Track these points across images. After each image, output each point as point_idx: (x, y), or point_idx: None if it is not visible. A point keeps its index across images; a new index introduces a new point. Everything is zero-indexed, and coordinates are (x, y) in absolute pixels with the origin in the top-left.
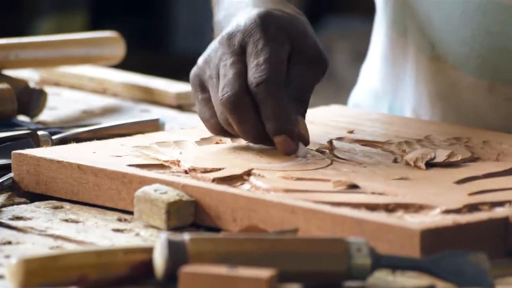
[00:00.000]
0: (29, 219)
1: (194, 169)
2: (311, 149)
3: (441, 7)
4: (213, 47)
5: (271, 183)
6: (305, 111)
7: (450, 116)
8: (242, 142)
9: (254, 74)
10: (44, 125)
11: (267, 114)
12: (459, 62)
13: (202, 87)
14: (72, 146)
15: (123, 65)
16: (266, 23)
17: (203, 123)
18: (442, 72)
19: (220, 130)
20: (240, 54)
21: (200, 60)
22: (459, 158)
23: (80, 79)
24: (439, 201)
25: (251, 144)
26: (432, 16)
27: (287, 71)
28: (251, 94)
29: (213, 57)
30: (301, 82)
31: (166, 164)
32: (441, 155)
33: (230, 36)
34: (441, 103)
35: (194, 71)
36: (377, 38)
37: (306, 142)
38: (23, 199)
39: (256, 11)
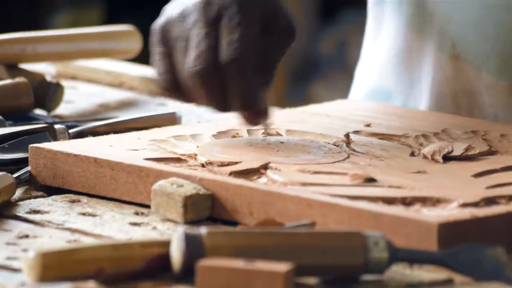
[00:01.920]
0: (46, 212)
1: (211, 163)
2: (328, 143)
3: (461, 4)
4: (186, 6)
5: (288, 177)
6: (272, 79)
7: (475, 114)
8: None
9: (226, 51)
10: (61, 119)
11: (234, 93)
12: (479, 61)
13: (165, 41)
14: (89, 139)
15: (140, 59)
16: None
17: (156, 75)
18: (460, 72)
19: (171, 88)
20: (213, 26)
21: (169, 14)
22: (477, 151)
23: (96, 73)
24: (456, 195)
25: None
26: (452, 14)
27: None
28: (220, 70)
29: (185, 18)
30: (271, 52)
31: (183, 157)
32: (458, 149)
33: (207, 3)
34: (459, 103)
35: (159, 24)
36: (383, 34)
37: (267, 114)
38: (40, 193)
39: None
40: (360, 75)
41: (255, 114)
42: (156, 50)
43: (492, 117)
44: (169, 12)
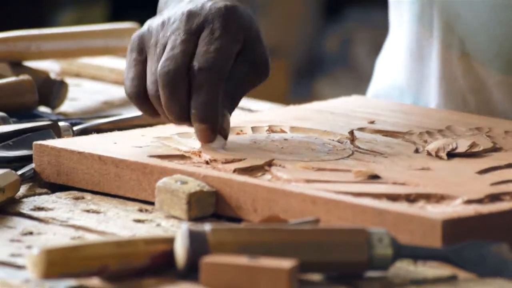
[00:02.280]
0: (51, 209)
1: (215, 160)
2: (332, 140)
3: (470, 3)
4: (168, 17)
5: (292, 174)
6: (234, 108)
7: (483, 111)
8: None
9: (200, 58)
10: (65, 116)
11: (197, 100)
12: (487, 59)
13: (140, 50)
14: (93, 137)
15: None
16: (229, 16)
17: (124, 82)
18: (469, 70)
19: (135, 95)
20: (194, 35)
21: (149, 24)
22: (481, 148)
23: (101, 70)
24: (460, 191)
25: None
26: (460, 12)
27: (232, 72)
28: (189, 76)
29: (165, 27)
30: (241, 80)
31: (187, 154)
32: (462, 145)
33: (191, 15)
34: (468, 101)
35: (139, 32)
36: (399, 30)
37: (225, 137)
38: (44, 190)
39: (224, 2)
40: (379, 70)
41: (211, 130)
42: (129, 58)
43: (501, 114)
44: (150, 22)
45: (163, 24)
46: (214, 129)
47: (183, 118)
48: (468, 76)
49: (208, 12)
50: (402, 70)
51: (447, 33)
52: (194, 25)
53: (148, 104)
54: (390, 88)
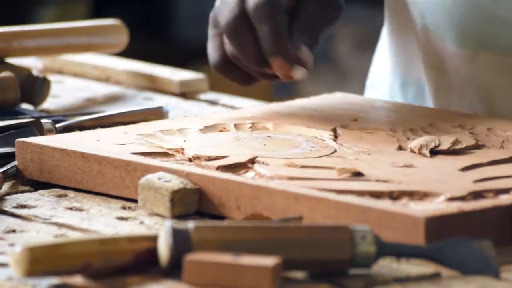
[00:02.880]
0: (33, 207)
1: (198, 157)
2: (316, 137)
3: None
4: None
5: (275, 171)
6: (313, 43)
7: (441, 87)
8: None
9: None
10: (48, 113)
11: (263, 35)
12: (443, 31)
13: (215, 23)
14: (76, 134)
15: (126, 53)
16: None
17: (208, 57)
18: (430, 43)
19: (219, 64)
20: None
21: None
22: (464, 145)
23: (83, 67)
24: (443, 189)
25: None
26: None
27: (300, 8)
28: (250, 18)
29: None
30: (311, 15)
31: (170, 152)
32: (445, 143)
33: None
34: (433, 75)
35: (213, 10)
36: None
37: (307, 68)
38: (27, 187)
39: None
40: (375, 59)
41: (286, 61)
42: (209, 33)
43: (458, 87)
44: None
45: None
46: (288, 59)
47: (260, 60)
48: (430, 50)
49: None
50: (388, 52)
51: (412, 6)
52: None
53: (233, 70)
54: (382, 72)
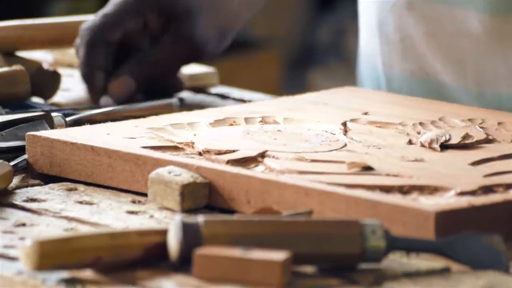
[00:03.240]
0: (43, 201)
1: (208, 151)
2: (326, 131)
3: None
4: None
5: (285, 165)
6: (145, 78)
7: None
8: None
9: (85, 22)
10: (58, 107)
11: (78, 60)
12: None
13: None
14: (86, 127)
15: None
16: None
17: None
18: (400, 19)
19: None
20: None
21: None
22: (474, 139)
23: None
24: (454, 183)
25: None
26: None
27: (156, 39)
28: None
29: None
30: (158, 54)
31: (180, 146)
32: (456, 137)
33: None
34: (400, 48)
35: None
36: None
37: (113, 98)
38: (37, 181)
39: None
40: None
41: (89, 89)
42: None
43: (416, 56)
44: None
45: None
46: (91, 87)
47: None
48: (398, 28)
49: None
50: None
51: None
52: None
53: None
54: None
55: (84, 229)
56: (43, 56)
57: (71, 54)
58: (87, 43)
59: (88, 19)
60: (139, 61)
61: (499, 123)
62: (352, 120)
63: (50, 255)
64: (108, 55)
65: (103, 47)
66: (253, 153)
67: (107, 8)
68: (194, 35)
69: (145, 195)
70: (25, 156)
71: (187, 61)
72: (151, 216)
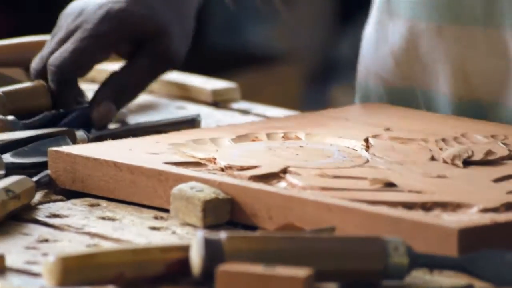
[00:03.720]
0: (66, 216)
1: (230, 167)
2: (348, 147)
3: None
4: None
5: (307, 181)
6: (123, 99)
7: (415, 68)
8: None
9: (53, 56)
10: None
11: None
12: (409, 9)
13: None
14: (108, 143)
15: None
16: (104, 17)
17: None
18: (399, 24)
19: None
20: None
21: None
22: (497, 156)
23: None
24: (476, 200)
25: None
26: None
27: (133, 58)
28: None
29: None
30: (136, 73)
31: (202, 161)
32: (478, 153)
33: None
34: (404, 57)
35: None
36: None
37: (95, 126)
38: (59, 197)
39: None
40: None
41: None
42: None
43: (431, 64)
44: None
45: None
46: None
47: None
48: (397, 31)
49: (90, 11)
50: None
51: None
52: (73, 25)
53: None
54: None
55: (106, 245)
56: None
57: (93, 69)
58: (58, 82)
59: (52, 50)
60: (118, 86)
61: None
62: (374, 136)
63: (72, 271)
64: (79, 88)
65: (75, 83)
66: (275, 169)
67: (76, 43)
68: (170, 50)
69: (167, 211)
70: (48, 172)
71: (163, 74)
72: (173, 232)
